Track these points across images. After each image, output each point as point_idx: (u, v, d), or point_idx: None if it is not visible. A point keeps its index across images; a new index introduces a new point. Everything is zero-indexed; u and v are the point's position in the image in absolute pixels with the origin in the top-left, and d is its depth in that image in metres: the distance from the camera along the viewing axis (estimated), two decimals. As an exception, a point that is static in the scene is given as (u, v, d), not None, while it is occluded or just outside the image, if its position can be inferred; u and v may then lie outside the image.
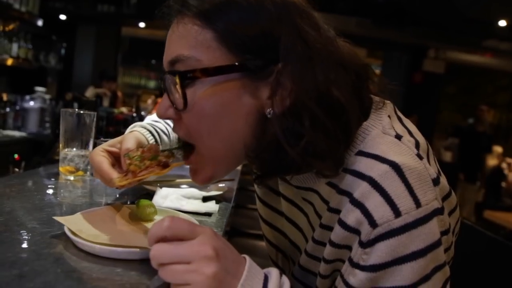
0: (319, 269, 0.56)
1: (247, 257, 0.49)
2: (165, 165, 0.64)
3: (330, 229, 0.53)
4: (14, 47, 3.45)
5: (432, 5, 4.75)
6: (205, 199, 0.94)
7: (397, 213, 0.46)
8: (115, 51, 6.75)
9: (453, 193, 0.54)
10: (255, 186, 0.78)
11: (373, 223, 0.46)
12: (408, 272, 0.45)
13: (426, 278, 0.46)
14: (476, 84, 8.06)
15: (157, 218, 0.74)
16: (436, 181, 0.50)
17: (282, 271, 0.73)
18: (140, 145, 0.78)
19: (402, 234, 0.45)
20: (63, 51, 5.11)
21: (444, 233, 0.49)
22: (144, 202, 0.73)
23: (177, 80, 0.53)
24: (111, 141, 0.79)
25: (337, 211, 0.52)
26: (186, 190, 0.96)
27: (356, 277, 0.48)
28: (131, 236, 0.65)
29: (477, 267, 0.96)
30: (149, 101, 4.87)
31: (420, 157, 0.51)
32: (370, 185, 0.48)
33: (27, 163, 2.04)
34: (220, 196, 1.00)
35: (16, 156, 2.27)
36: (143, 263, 0.56)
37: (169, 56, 0.55)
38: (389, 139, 0.52)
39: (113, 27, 6.58)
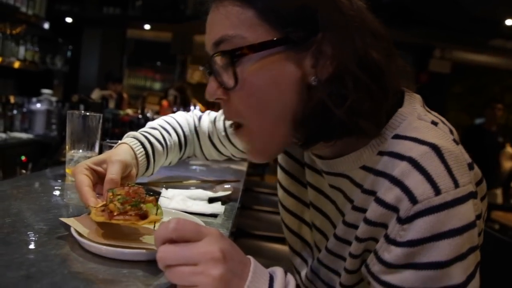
0: (349, 250, 0.57)
1: (252, 258, 0.49)
2: (143, 217, 0.61)
3: (364, 210, 0.54)
4: (21, 50, 3.48)
5: (438, 5, 4.73)
6: (211, 200, 0.94)
7: (437, 191, 0.47)
8: (120, 53, 6.79)
9: (484, 180, 0.56)
10: (280, 177, 0.78)
11: (413, 200, 0.47)
12: (445, 248, 0.47)
13: (461, 257, 0.47)
14: (483, 84, 8.00)
15: (163, 219, 0.74)
16: (471, 166, 0.52)
17: (302, 258, 0.73)
18: (126, 167, 0.76)
19: (441, 212, 0.46)
20: (69, 53, 5.15)
21: (477, 217, 0.50)
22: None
23: (225, 60, 0.54)
24: (97, 158, 0.76)
25: (372, 192, 0.53)
26: (192, 191, 0.96)
27: (392, 253, 0.49)
28: (137, 237, 0.65)
29: (485, 268, 0.95)
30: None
31: (456, 142, 0.53)
32: (410, 164, 0.49)
33: (34, 165, 2.06)
34: (226, 197, 1.00)
35: (23, 158, 2.29)
36: (150, 264, 0.56)
37: (213, 39, 0.57)
38: (426, 124, 0.54)
39: (118, 29, 6.62)
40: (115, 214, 0.60)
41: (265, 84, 0.54)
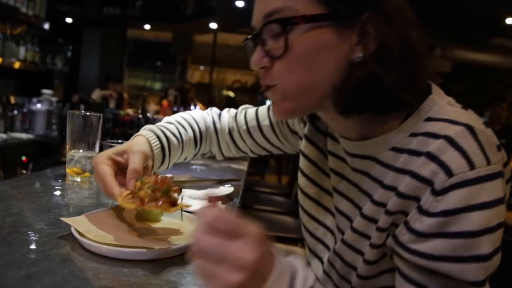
0: (377, 225, 0.59)
1: (279, 261, 0.48)
2: (174, 204, 0.64)
3: (395, 188, 0.57)
4: (21, 50, 3.48)
5: (438, 3, 4.72)
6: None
7: (472, 166, 0.50)
8: (120, 53, 6.79)
9: (509, 164, 0.58)
10: (303, 165, 0.81)
11: (449, 173, 0.50)
12: (476, 219, 0.49)
13: (491, 230, 0.50)
14: (483, 82, 8.00)
15: (164, 219, 0.74)
16: (499, 148, 0.55)
17: (323, 244, 0.76)
18: (146, 158, 0.78)
19: (474, 185, 0.49)
20: (69, 53, 5.14)
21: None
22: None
23: (277, 28, 0.58)
24: (117, 149, 0.78)
25: (405, 171, 0.56)
26: (192, 191, 0.96)
27: (424, 223, 0.52)
28: (138, 237, 0.65)
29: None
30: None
31: (486, 124, 0.56)
32: (446, 141, 0.52)
33: (34, 165, 2.06)
34: (226, 197, 1.00)
35: (24, 158, 2.29)
36: (150, 264, 0.57)
37: (264, 11, 0.60)
38: (457, 108, 0.58)
39: (118, 29, 6.62)
40: (146, 201, 0.62)
41: (311, 53, 0.58)
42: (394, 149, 0.59)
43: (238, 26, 6.99)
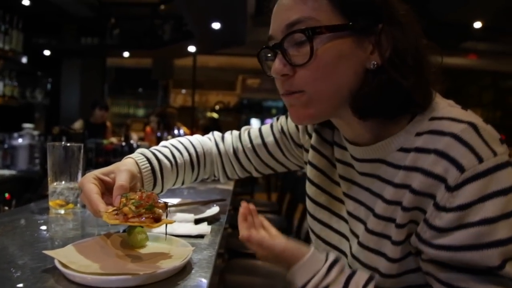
0: (396, 221, 0.62)
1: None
2: (157, 220, 0.65)
3: (407, 186, 0.60)
4: (0, 85, 3.46)
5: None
6: (197, 221, 0.95)
7: (480, 159, 0.53)
8: (101, 82, 6.78)
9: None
10: (311, 175, 0.83)
11: (461, 168, 0.54)
12: (491, 207, 0.52)
13: (507, 215, 0.53)
14: (460, 85, 8.21)
15: (149, 244, 0.74)
16: (502, 141, 0.58)
17: (340, 251, 0.78)
18: (133, 177, 0.79)
19: (486, 177, 0.53)
20: (49, 86, 5.13)
21: None
22: (135, 229, 0.73)
23: (301, 37, 0.62)
24: (105, 169, 0.79)
25: (415, 168, 0.59)
26: (177, 214, 0.96)
27: (443, 219, 0.55)
28: (123, 264, 0.65)
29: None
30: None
31: (486, 123, 0.59)
32: (453, 138, 0.56)
33: (17, 201, 2.02)
34: (212, 218, 1.00)
35: (6, 195, 2.25)
36: (136, 290, 0.56)
37: (287, 20, 0.63)
38: (458, 108, 0.62)
39: (97, 58, 6.62)
40: (129, 216, 0.63)
41: (333, 60, 0.62)
42: (402, 149, 0.63)
43: (217, 48, 7.07)
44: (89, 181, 0.75)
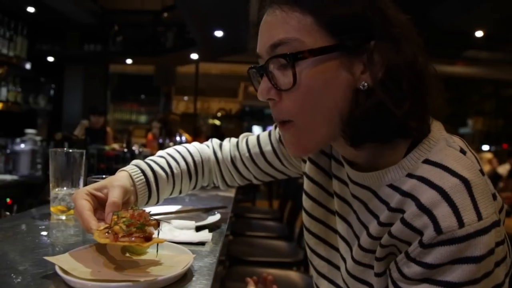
0: (375, 255, 0.60)
1: None
2: (148, 239, 0.63)
3: (390, 225, 0.57)
4: (3, 91, 3.49)
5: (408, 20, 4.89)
6: (198, 228, 0.94)
7: (461, 224, 0.50)
8: (104, 89, 6.82)
9: (504, 206, 0.59)
10: (308, 187, 0.81)
11: (438, 230, 0.51)
12: (459, 272, 0.50)
13: (474, 282, 0.50)
14: (462, 94, 8.22)
15: (150, 251, 0.74)
16: (494, 196, 0.55)
17: (333, 265, 0.77)
18: (126, 192, 0.78)
19: (461, 243, 0.50)
20: (52, 92, 5.16)
21: (499, 243, 0.53)
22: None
23: (284, 62, 0.58)
24: (97, 185, 0.78)
25: (400, 211, 0.56)
26: (178, 221, 0.96)
27: (411, 269, 0.54)
28: (124, 270, 0.64)
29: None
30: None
31: (482, 173, 0.56)
32: (440, 195, 0.52)
33: (19, 207, 2.02)
34: (213, 225, 1.00)
35: (8, 200, 2.25)
36: (137, 297, 0.56)
37: (271, 40, 0.59)
38: (456, 152, 0.57)
39: (100, 65, 6.68)
40: (120, 236, 0.62)
41: (319, 86, 0.58)
42: (392, 186, 0.59)
43: (219, 55, 7.11)
44: (82, 197, 0.73)
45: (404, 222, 0.54)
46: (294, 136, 0.62)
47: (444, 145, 0.58)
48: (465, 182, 0.52)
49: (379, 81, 0.56)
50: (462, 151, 0.57)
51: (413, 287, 0.54)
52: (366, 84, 0.57)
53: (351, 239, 0.69)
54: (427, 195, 0.53)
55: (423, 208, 0.52)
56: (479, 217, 0.51)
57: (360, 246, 0.64)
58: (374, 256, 0.61)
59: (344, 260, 0.70)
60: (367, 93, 0.57)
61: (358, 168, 0.66)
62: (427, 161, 0.56)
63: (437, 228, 0.51)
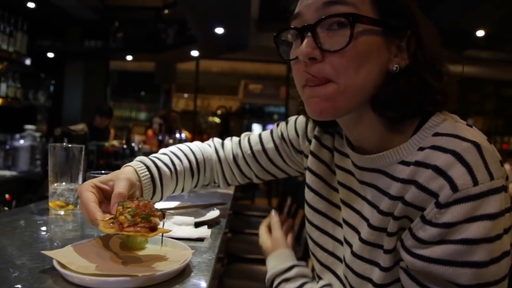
0: (387, 230, 0.61)
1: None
2: (153, 229, 0.64)
3: (401, 198, 0.59)
4: (3, 86, 3.48)
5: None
6: (197, 224, 0.94)
7: (475, 182, 0.53)
8: (104, 85, 6.80)
9: (509, 178, 0.61)
10: (310, 181, 0.82)
11: (454, 188, 0.53)
12: (474, 229, 0.52)
13: (488, 240, 0.52)
14: (462, 93, 8.19)
15: (148, 246, 0.74)
16: (501, 163, 0.58)
17: (335, 257, 0.78)
18: (132, 186, 0.78)
19: (476, 200, 0.52)
20: (52, 88, 5.15)
21: (507, 209, 0.55)
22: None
23: (341, 21, 0.59)
24: (103, 178, 0.78)
25: (412, 181, 0.58)
26: (177, 217, 0.96)
27: (427, 232, 0.55)
28: (122, 265, 0.64)
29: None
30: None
31: (490, 142, 0.59)
32: (454, 157, 0.55)
33: (18, 202, 2.02)
34: (212, 221, 1.00)
35: (7, 196, 2.25)
36: (134, 292, 0.56)
37: None
38: (463, 125, 0.61)
39: (101, 61, 6.66)
40: (125, 226, 0.62)
41: (365, 54, 0.60)
42: (403, 162, 0.61)
43: (219, 53, 7.09)
44: (87, 189, 0.73)
45: (420, 186, 0.56)
46: (330, 96, 0.61)
47: (451, 121, 0.61)
48: (476, 145, 0.55)
49: (406, 66, 0.61)
50: (469, 125, 0.61)
51: (430, 250, 0.55)
52: (397, 66, 0.61)
53: (359, 223, 0.70)
54: (441, 159, 0.55)
55: (438, 171, 0.55)
56: (491, 177, 0.53)
57: (370, 225, 0.65)
58: (385, 233, 0.62)
59: (350, 245, 0.70)
60: (397, 74, 0.61)
61: (364, 153, 0.68)
62: (437, 134, 0.59)
63: (453, 187, 0.53)
